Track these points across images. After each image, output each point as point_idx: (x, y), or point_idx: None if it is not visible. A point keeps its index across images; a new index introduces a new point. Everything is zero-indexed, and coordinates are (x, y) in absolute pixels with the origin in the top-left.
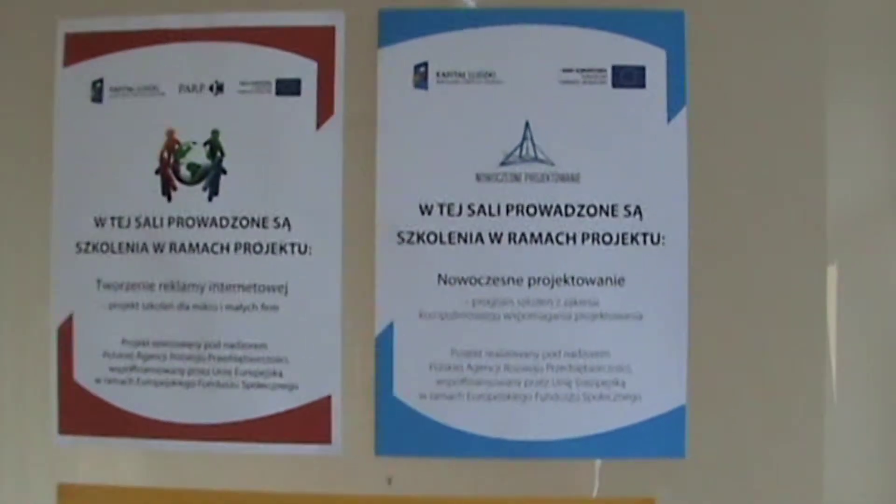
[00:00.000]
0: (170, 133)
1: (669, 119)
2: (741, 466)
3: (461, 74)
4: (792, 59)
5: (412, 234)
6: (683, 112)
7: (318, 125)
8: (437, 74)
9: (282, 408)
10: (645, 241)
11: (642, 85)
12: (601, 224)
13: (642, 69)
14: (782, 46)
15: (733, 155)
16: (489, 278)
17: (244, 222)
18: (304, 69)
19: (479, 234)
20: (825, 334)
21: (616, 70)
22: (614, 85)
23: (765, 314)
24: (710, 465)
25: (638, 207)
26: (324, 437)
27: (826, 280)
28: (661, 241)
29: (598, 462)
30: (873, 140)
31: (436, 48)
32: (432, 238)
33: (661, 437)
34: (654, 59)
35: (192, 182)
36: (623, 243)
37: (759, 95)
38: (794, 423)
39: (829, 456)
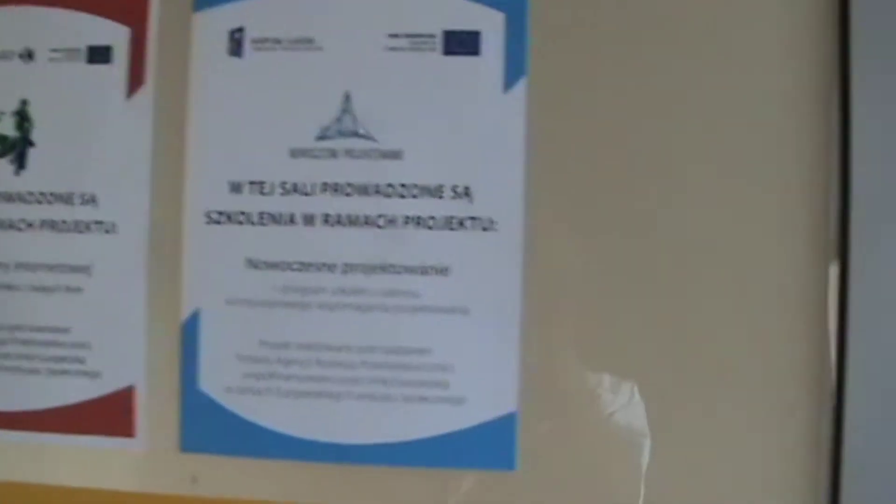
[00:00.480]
0: None
1: (506, 89)
2: (577, 479)
3: (278, 41)
4: (655, 22)
5: (221, 213)
6: (523, 82)
7: (129, 95)
8: (253, 41)
9: (84, 397)
10: (474, 227)
11: (476, 52)
12: (425, 206)
13: (476, 34)
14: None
15: (580, 131)
16: (301, 263)
17: (51, 198)
18: (116, 35)
19: (292, 215)
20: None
21: (448, 35)
22: (446, 52)
23: (620, 313)
24: (544, 479)
25: (467, 188)
26: (126, 430)
27: (689, 271)
28: (493, 226)
29: (417, 471)
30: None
31: (253, 12)
32: (242, 219)
33: (489, 445)
34: (490, 24)
35: (0, 155)
36: (449, 228)
37: (614, 64)
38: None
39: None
